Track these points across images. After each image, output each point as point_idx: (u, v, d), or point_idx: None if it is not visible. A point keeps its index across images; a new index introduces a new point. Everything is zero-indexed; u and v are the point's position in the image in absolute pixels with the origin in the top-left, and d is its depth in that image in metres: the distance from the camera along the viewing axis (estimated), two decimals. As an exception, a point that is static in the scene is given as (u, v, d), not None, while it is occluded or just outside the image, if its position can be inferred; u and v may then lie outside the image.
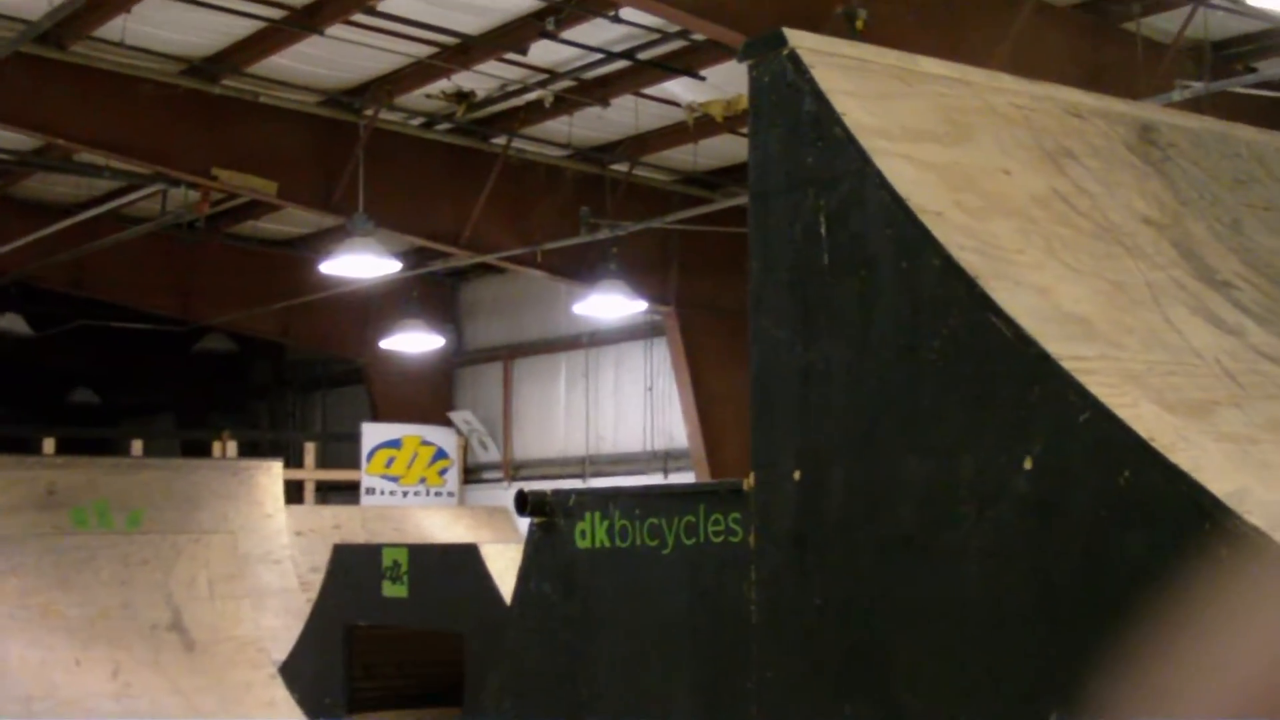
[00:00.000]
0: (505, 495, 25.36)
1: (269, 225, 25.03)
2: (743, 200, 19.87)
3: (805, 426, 4.92)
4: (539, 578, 5.98)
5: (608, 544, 5.60)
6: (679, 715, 5.32)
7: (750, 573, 4.97)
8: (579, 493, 5.85)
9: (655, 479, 22.07)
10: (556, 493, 5.95)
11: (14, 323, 27.65)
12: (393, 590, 16.06)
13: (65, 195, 23.20)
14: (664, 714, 5.39)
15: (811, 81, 5.11)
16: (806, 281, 5.00)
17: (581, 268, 20.71)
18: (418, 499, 25.44)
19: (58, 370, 33.61)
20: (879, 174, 4.83)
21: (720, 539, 5.21)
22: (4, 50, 15.36)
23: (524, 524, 19.08)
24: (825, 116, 5.04)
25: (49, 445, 23.82)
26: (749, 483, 5.03)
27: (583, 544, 5.71)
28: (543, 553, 5.99)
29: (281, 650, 16.04)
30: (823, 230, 4.96)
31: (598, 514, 5.66)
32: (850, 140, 4.95)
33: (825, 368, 4.88)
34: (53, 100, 17.50)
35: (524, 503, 6.00)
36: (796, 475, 4.87)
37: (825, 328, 4.92)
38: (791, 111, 5.15)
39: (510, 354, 26.23)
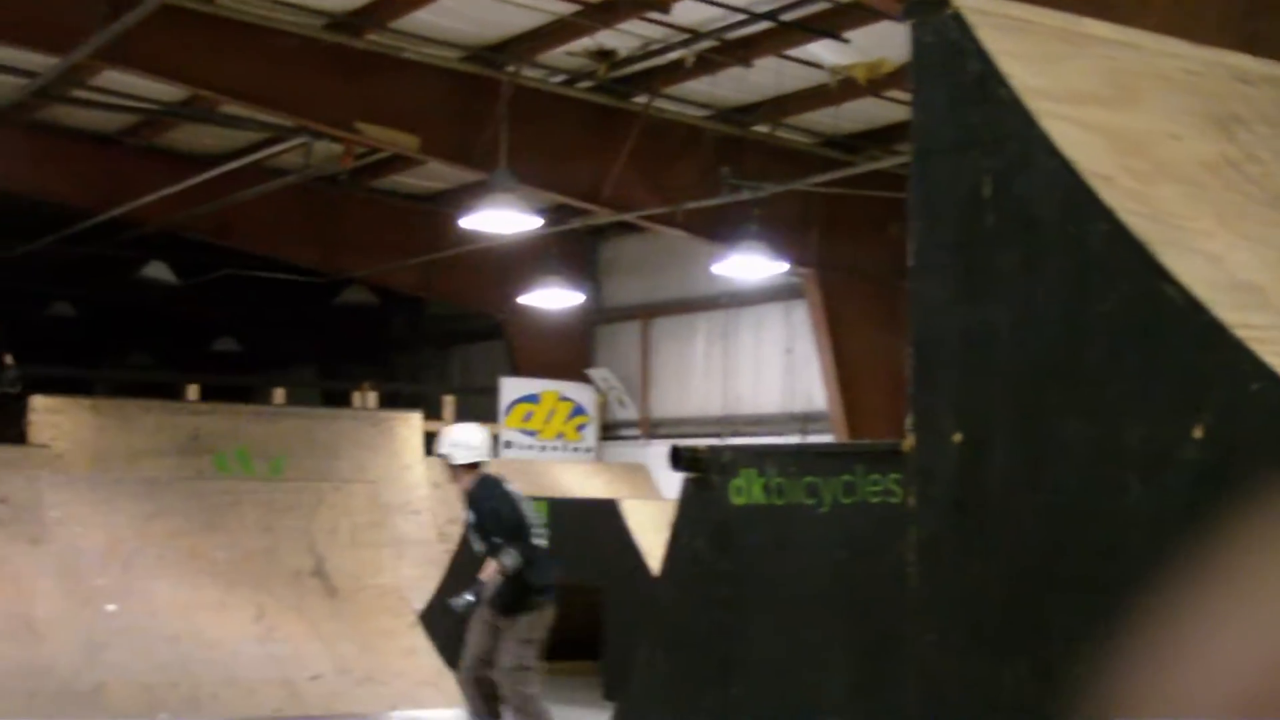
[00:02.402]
0: (642, 452, 25.40)
1: (410, 180, 25.15)
2: (885, 164, 19.72)
3: (967, 389, 4.89)
4: (692, 534, 5.99)
5: (763, 501, 5.60)
6: (834, 675, 5.32)
7: (909, 534, 4.95)
8: (734, 449, 5.85)
9: (793, 440, 22.03)
10: (711, 448, 5.95)
11: (160, 271, 28.04)
12: (532, 543, 16.17)
13: (210, 146, 23.44)
14: (819, 673, 5.39)
15: (976, 42, 5.08)
16: (970, 243, 4.98)
17: (721, 228, 20.65)
18: (555, 454, 25.56)
19: (201, 319, 34.04)
20: (1046, 136, 4.79)
21: (878, 499, 5.21)
22: (153, 2, 15.53)
23: (662, 481, 18.99)
24: (990, 77, 5.00)
25: (193, 392, 24.12)
26: (908, 444, 5.01)
27: (738, 500, 5.71)
28: (696, 509, 6.00)
29: (419, 600, 16.20)
30: (987, 192, 4.93)
31: (753, 471, 5.66)
32: (1016, 102, 4.91)
33: (988, 330, 4.85)
34: (197, 52, 17.66)
35: (678, 457, 6.01)
36: (957, 438, 4.84)
37: (988, 290, 4.89)
38: (955, 72, 5.12)
39: (648, 313, 26.21)
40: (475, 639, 11.35)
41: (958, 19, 5.09)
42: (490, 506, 11.21)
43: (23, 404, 20.73)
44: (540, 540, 11.16)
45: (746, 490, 5.71)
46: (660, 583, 6.26)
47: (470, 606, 11.01)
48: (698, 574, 5.97)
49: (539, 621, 11.17)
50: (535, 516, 11.31)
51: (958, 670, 4.81)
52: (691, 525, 6.04)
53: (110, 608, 13.36)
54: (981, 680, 4.71)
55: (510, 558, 10.84)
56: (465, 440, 11.38)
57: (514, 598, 11.01)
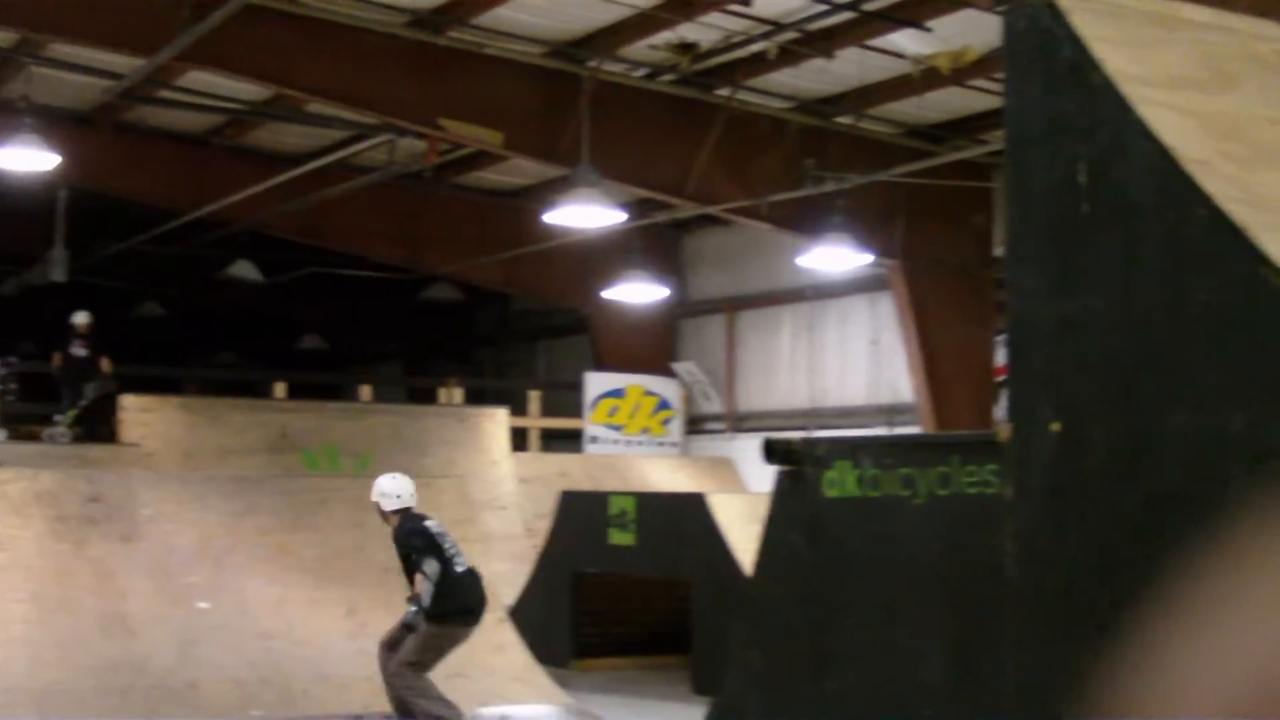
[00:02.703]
0: (728, 446, 25.37)
1: (493, 176, 25.22)
2: (969, 154, 19.56)
3: (1064, 378, 4.84)
4: (786, 527, 5.95)
5: (857, 493, 5.56)
6: (931, 668, 5.28)
7: (1006, 525, 4.90)
8: (828, 441, 5.82)
9: (879, 433, 21.95)
10: (805, 441, 5.92)
11: (246, 270, 28.22)
12: (620, 538, 16.17)
13: (295, 145, 23.60)
14: (916, 666, 5.35)
15: (1069, 28, 5.02)
16: (1065, 231, 4.92)
17: (805, 220, 20.58)
18: (641, 448, 25.54)
19: (288, 317, 34.26)
20: (1142, 122, 4.73)
21: (975, 490, 5.16)
22: (237, 2, 15.64)
23: (748, 474, 18.97)
24: (1084, 63, 4.95)
25: (280, 390, 24.31)
26: (1005, 434, 4.96)
27: (831, 493, 5.68)
28: (790, 501, 5.96)
29: (507, 595, 16.23)
30: (1082, 179, 4.88)
31: (848, 463, 5.62)
32: (1110, 87, 4.85)
33: (1085, 319, 4.80)
34: (282, 51, 17.77)
35: (771, 450, 5.98)
36: (1055, 427, 4.79)
37: (1085, 278, 4.83)
38: (1048, 58, 5.07)
39: (733, 306, 26.17)
40: (391, 629, 12.39)
41: (1050, 6, 5.04)
42: (404, 538, 12.31)
43: (114, 403, 20.94)
44: (459, 567, 12.22)
45: (840, 483, 5.66)
46: (754, 577, 6.22)
47: (419, 615, 11.91)
48: (792, 568, 5.94)
49: (451, 636, 12.26)
50: (454, 548, 12.33)
51: (1056, 662, 4.76)
52: (785, 518, 6.01)
53: (202, 605, 13.45)
54: (1080, 672, 4.66)
55: (430, 565, 11.97)
56: (391, 490, 12.55)
57: (434, 608, 11.98)
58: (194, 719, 12.56)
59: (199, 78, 19.76)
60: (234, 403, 22.01)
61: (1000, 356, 21.22)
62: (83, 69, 19.64)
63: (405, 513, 12.44)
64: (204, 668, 12.97)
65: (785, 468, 5.96)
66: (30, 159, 18.74)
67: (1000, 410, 21.01)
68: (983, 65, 17.39)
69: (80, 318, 21.83)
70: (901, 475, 5.41)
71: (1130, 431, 4.61)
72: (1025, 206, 5.10)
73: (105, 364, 21.80)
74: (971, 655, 5.16)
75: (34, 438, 21.61)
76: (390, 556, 14.01)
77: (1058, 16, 5.04)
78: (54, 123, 20.22)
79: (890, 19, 16.86)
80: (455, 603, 12.10)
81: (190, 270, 29.19)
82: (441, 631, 12.08)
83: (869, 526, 5.62)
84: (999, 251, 21.21)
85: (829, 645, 5.73)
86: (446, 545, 12.21)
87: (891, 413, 22.59)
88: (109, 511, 13.72)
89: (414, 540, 12.14)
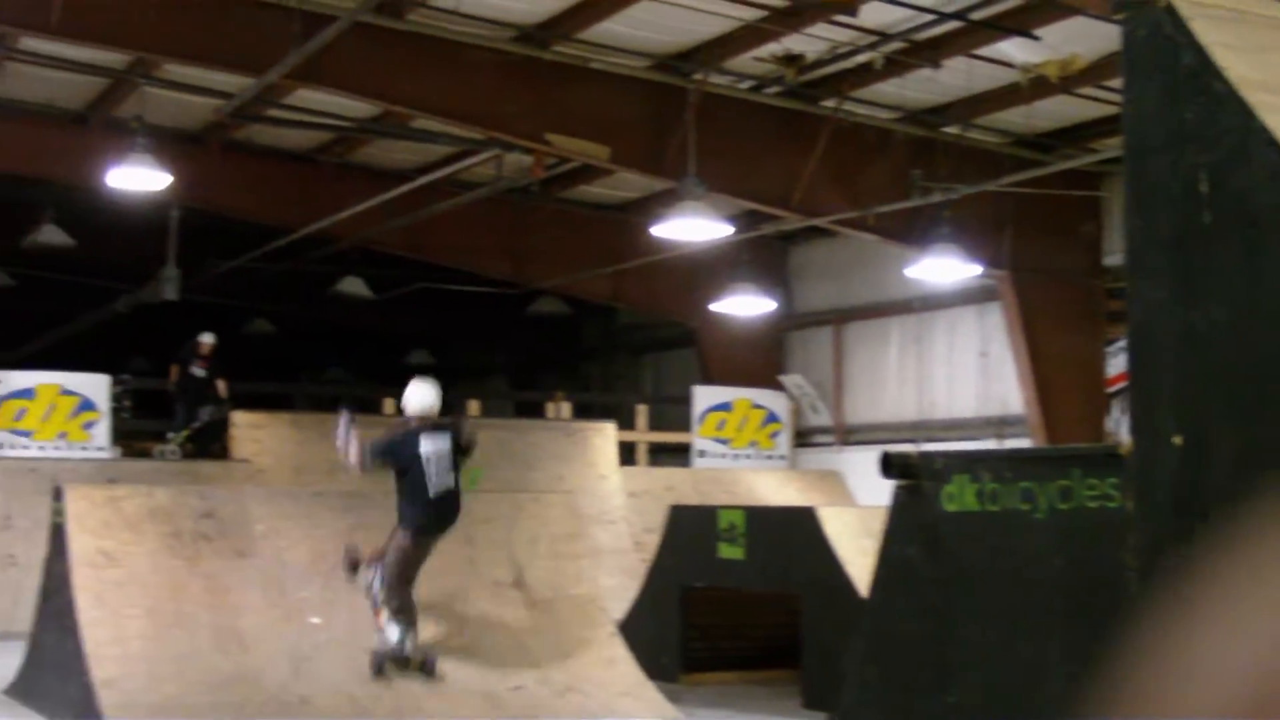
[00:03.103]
0: (836, 459, 25.26)
1: (599, 190, 25.26)
2: (1078, 163, 19.37)
3: (1187, 390, 4.76)
4: (904, 541, 5.90)
5: (976, 507, 5.50)
6: (1052, 685, 5.21)
7: (1129, 540, 4.82)
8: (946, 454, 5.76)
9: (989, 445, 21.76)
10: (923, 454, 5.87)
11: (355, 286, 28.41)
12: (729, 552, 16.10)
13: (403, 161, 23.74)
14: (1036, 680, 5.29)
15: (1190, 35, 4.94)
16: (1187, 241, 4.84)
17: (913, 231, 20.48)
18: (749, 461, 25.46)
19: (396, 332, 34.46)
20: (1265, 129, 4.65)
21: (1096, 504, 5.09)
22: (345, 20, 15.76)
23: (857, 487, 18.86)
24: (1205, 70, 4.87)
25: (389, 405, 24.44)
26: (1127, 447, 4.89)
27: (950, 507, 5.61)
28: (908, 515, 5.91)
29: (617, 609, 16.21)
30: (1204, 188, 4.80)
31: (966, 476, 5.56)
32: (1233, 95, 4.77)
33: (1208, 330, 4.72)
34: (390, 68, 17.89)
35: (889, 464, 5.92)
36: (1178, 440, 4.71)
37: (1208, 288, 4.75)
38: (1168, 66, 4.99)
39: (840, 318, 26.07)
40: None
41: (1171, 12, 4.96)
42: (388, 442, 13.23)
43: (225, 421, 21.15)
44: (433, 491, 12.91)
45: (959, 497, 5.60)
46: (871, 591, 6.17)
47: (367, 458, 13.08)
48: (910, 582, 5.88)
49: (422, 545, 13.00)
50: (438, 472, 12.94)
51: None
52: (903, 533, 5.95)
53: (314, 620, 13.52)
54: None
55: (386, 462, 13.09)
56: (409, 396, 13.29)
57: (406, 522, 12.97)
58: (307, 733, 12.64)
59: (307, 96, 19.92)
60: (344, 418, 22.14)
61: (1111, 367, 21.04)
62: (194, 89, 19.88)
63: (415, 421, 13.07)
64: (317, 682, 13.04)
65: (903, 482, 5.91)
66: (143, 178, 19.00)
67: (1112, 421, 20.83)
68: (1092, 73, 17.25)
69: (206, 338, 22.15)
70: (1021, 489, 5.34)
71: (1255, 443, 4.53)
72: (1146, 217, 5.02)
73: (221, 387, 22.03)
74: (1094, 670, 5.09)
75: (145, 454, 21.88)
76: (500, 570, 14.09)
77: (1178, 23, 4.96)
78: (165, 142, 20.45)
79: (998, 28, 16.75)
80: (422, 518, 12.90)
81: (299, 287, 29.46)
82: (412, 541, 12.91)
83: (988, 540, 5.55)
84: (1109, 261, 21.02)
85: (948, 659, 5.67)
86: (430, 469, 12.87)
87: (1001, 425, 22.42)
88: (222, 527, 13.83)
89: (387, 454, 13.03)
